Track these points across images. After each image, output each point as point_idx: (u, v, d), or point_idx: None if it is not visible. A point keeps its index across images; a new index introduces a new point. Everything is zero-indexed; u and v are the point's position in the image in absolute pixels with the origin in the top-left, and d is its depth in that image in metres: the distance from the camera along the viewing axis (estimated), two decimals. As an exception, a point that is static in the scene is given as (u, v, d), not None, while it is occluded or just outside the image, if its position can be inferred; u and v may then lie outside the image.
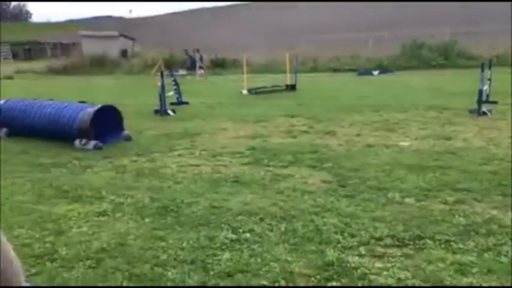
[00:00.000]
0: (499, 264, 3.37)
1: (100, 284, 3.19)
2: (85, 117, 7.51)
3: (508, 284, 3.10)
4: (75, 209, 4.68)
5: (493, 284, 3.12)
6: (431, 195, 4.88)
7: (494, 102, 10.57)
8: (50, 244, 3.86)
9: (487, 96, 10.45)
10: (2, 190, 5.41)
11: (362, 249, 3.71)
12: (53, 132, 7.91)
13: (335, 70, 24.14)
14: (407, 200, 4.81)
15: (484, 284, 3.12)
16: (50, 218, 4.44)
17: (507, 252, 3.55)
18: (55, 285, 3.17)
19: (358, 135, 8.10)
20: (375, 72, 21.77)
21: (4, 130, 8.66)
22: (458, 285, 3.14)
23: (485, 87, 10.10)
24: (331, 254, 3.62)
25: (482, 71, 9.80)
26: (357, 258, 3.57)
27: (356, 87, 16.42)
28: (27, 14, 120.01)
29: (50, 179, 5.79)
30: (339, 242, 3.84)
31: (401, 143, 7.31)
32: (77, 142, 7.51)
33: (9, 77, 26.10)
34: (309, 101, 12.70)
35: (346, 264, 3.46)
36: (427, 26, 27.35)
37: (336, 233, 4.02)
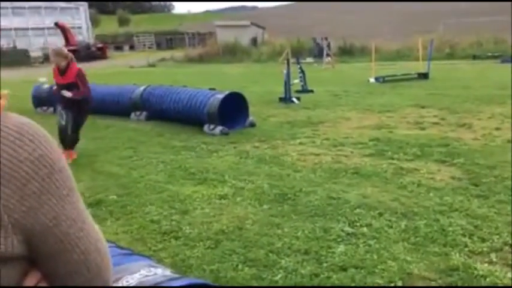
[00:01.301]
0: None
1: (217, 265, 3.34)
2: (214, 103, 7.90)
3: None
4: (200, 190, 4.96)
5: None
6: None
7: None
8: (176, 222, 4.14)
9: None
10: (139, 169, 5.95)
11: (493, 256, 3.36)
12: (186, 117, 8.47)
13: (475, 57, 22.13)
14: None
15: None
16: (178, 198, 4.76)
17: None
18: (177, 261, 3.39)
19: (497, 129, 7.34)
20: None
21: (144, 114, 9.50)
22: None
23: None
24: (456, 258, 3.34)
25: None
26: (486, 265, 3.24)
27: (498, 76, 14.86)
28: (170, 6, 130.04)
29: (180, 161, 6.21)
30: (466, 246, 3.52)
31: (551, 140, 6.45)
32: (205, 127, 7.94)
33: (152, 65, 28.52)
34: (443, 90, 11.84)
35: (473, 270, 3.16)
36: None
37: (463, 235, 3.69)
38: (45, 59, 28.58)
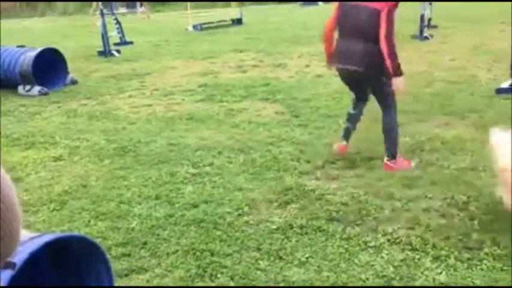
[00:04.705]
0: (441, 176, 3.70)
1: (68, 225, 3.25)
2: (26, 62, 7.15)
3: (450, 193, 3.42)
4: (30, 155, 4.60)
5: (437, 193, 3.44)
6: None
7: (435, 27, 10.89)
8: (10, 191, 3.82)
9: (429, 20, 10.69)
10: None
11: (318, 173, 3.94)
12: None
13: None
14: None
15: (429, 195, 3.43)
16: (5, 166, 4.31)
17: (449, 165, 3.87)
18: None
19: (307, 66, 8.21)
20: (320, 3, 21.60)
21: None
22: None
23: (427, 12, 10.31)
24: (289, 179, 3.82)
25: (424, -4, 9.98)
26: (313, 181, 3.80)
27: (301, 18, 16.31)
28: None
29: (-2, 128, 5.59)
30: (295, 168, 4.04)
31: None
32: (20, 88, 7.19)
33: None
34: (256, 34, 12.56)
35: (304, 187, 3.67)
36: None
37: (292, 160, 4.22)
38: None
